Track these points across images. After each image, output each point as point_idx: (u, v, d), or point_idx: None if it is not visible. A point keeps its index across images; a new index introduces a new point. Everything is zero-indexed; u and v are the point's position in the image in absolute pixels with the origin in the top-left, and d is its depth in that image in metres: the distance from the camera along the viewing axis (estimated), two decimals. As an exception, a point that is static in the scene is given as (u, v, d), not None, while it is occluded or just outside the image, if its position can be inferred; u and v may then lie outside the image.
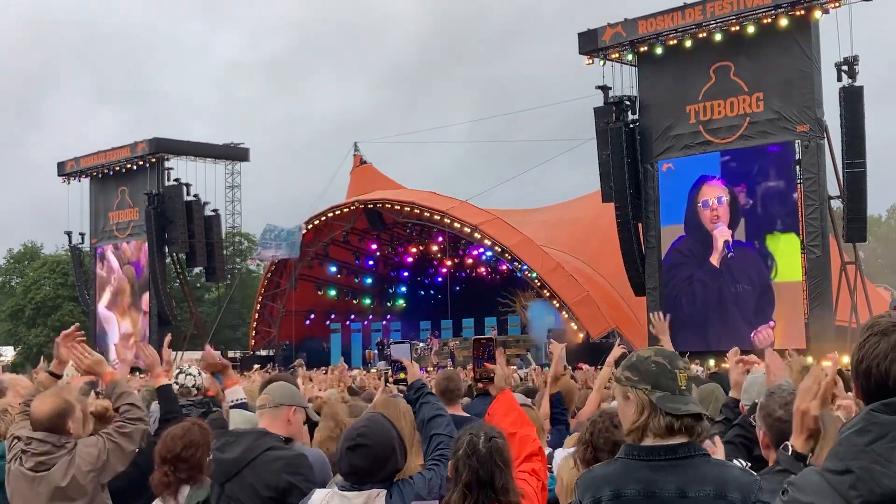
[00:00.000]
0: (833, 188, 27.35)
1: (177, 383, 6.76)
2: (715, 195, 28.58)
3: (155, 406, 5.65)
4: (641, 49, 29.90)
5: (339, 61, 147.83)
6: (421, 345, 36.45)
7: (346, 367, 12.97)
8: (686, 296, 28.80)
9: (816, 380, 3.25)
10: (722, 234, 28.37)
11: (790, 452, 3.35)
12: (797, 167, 27.32)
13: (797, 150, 27.34)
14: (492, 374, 4.59)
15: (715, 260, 28.43)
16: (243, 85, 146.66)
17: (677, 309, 28.75)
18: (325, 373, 14.18)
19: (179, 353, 40.60)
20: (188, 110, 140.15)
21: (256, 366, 28.17)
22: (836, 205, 28.36)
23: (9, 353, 60.76)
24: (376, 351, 36.82)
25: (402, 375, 4.85)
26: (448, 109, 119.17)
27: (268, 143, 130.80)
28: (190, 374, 7.10)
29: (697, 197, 28.81)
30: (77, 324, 5.91)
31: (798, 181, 27.27)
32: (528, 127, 66.91)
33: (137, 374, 15.26)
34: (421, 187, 41.05)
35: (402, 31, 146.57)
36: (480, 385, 5.12)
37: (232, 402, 5.06)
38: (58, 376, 5.42)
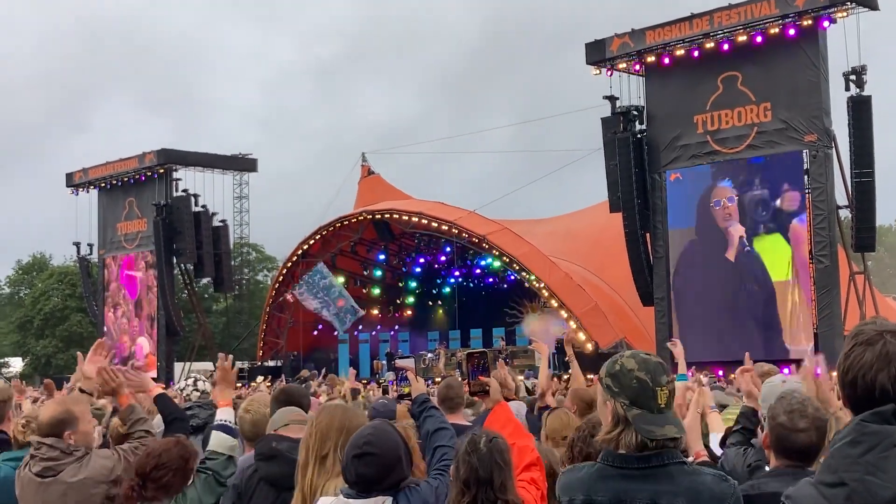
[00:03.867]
0: (841, 198, 27.29)
1: (197, 391, 6.88)
2: (726, 196, 28.47)
3: (157, 420, 5.62)
4: (649, 59, 29.87)
5: (386, 70, 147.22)
6: (429, 356, 36.37)
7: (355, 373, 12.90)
8: (696, 295, 28.63)
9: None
10: (737, 231, 28.16)
11: None
12: (805, 177, 27.27)
13: (805, 159, 27.30)
14: (486, 388, 4.61)
15: (731, 255, 28.22)
16: (288, 93, 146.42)
17: (688, 311, 28.66)
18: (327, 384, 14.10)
19: (188, 363, 40.76)
20: (233, 117, 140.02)
21: (260, 378, 28.05)
22: (845, 214, 28.28)
23: (17, 363, 61.06)
24: (384, 362, 36.82)
25: (406, 390, 4.86)
26: (488, 118, 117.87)
27: (305, 152, 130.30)
28: (202, 380, 7.28)
29: (709, 198, 28.70)
30: (102, 340, 5.87)
31: (807, 190, 27.21)
32: (562, 135, 66.56)
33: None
34: (451, 196, 40.86)
35: (452, 39, 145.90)
36: (476, 398, 5.13)
37: (219, 421, 5.03)
38: (90, 394, 5.36)
